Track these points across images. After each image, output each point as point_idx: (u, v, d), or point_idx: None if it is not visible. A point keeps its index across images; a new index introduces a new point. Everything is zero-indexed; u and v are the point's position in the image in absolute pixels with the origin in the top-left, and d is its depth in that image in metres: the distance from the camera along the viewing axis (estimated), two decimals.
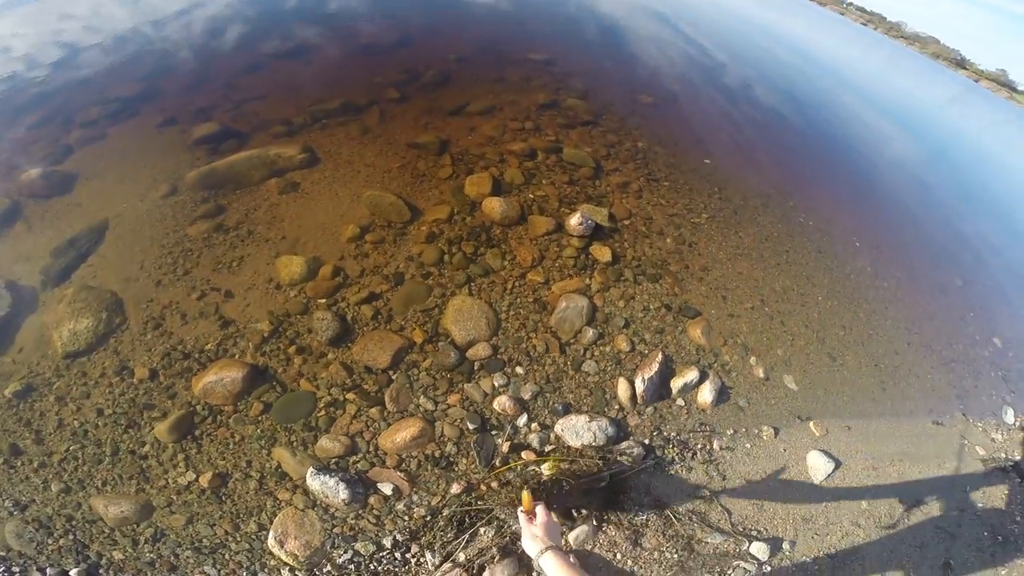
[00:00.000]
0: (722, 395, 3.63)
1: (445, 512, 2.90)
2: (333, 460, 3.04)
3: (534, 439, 3.25)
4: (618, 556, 2.78)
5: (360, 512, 2.89)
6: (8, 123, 4.61)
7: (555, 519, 1.84)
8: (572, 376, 3.61)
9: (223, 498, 2.86)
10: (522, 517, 1.84)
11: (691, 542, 2.85)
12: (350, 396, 3.29)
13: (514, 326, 3.77)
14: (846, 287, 4.99)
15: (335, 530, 2.81)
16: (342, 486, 2.86)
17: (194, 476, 2.89)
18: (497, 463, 3.12)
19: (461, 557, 2.71)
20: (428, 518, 2.88)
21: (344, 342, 3.52)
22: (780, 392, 3.79)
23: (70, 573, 2.53)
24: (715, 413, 3.55)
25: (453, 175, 4.83)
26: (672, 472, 3.16)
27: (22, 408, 3.00)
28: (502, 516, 2.82)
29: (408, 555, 2.75)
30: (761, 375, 3.86)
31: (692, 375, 3.63)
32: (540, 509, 1.81)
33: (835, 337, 4.37)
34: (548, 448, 3.22)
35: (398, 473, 3.04)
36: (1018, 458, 3.77)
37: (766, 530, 2.97)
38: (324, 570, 2.67)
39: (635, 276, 4.29)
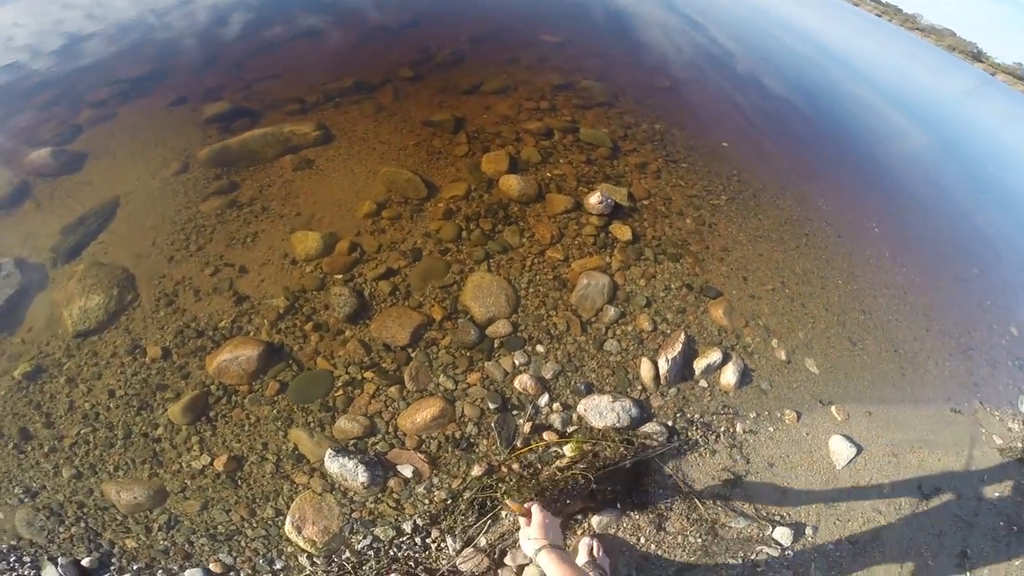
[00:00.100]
0: (745, 377, 3.38)
1: (466, 495, 2.66)
2: (351, 442, 2.79)
3: (556, 419, 3.00)
4: (641, 540, 2.58)
5: (379, 496, 2.64)
6: (16, 106, 4.31)
7: (551, 516, 1.70)
8: (594, 355, 3.35)
9: (239, 482, 2.61)
10: (522, 519, 1.70)
11: (715, 526, 2.67)
12: (368, 375, 3.03)
13: (534, 303, 3.51)
14: (866, 272, 4.73)
15: (354, 515, 2.57)
16: (361, 469, 2.61)
17: (209, 460, 2.64)
18: (518, 444, 2.87)
19: (482, 542, 2.49)
20: (449, 501, 2.64)
21: (362, 319, 3.26)
22: (802, 375, 3.55)
23: (82, 562, 2.29)
24: (738, 395, 3.31)
25: (469, 153, 4.54)
26: (696, 455, 2.95)
27: (32, 390, 2.74)
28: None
29: (428, 540, 2.52)
30: (783, 358, 3.61)
31: (715, 356, 3.39)
32: (535, 508, 1.67)
33: (855, 321, 4.12)
34: (570, 429, 2.98)
35: (418, 455, 2.79)
36: None
37: (789, 515, 2.79)
38: (343, 556, 2.43)
39: (656, 255, 4.02)
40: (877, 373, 3.77)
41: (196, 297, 3.21)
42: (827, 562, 2.65)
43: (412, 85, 5.39)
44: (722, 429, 3.10)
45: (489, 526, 2.53)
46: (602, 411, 3.01)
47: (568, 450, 2.80)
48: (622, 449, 2.80)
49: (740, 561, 2.59)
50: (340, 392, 2.95)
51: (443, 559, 2.45)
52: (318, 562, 2.41)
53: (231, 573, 2.38)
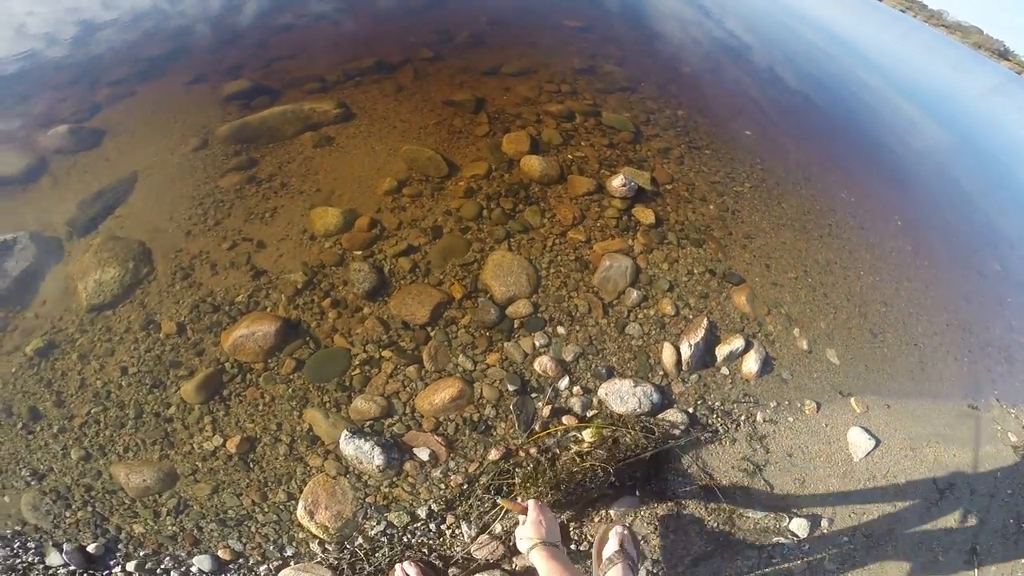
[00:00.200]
0: (766, 366, 3.13)
1: (482, 480, 2.42)
2: (368, 423, 2.55)
3: (576, 403, 2.75)
4: (659, 528, 2.38)
5: (394, 480, 2.40)
6: (32, 88, 4.03)
7: (549, 512, 1.60)
8: (615, 339, 3.08)
9: (251, 465, 2.38)
10: (521, 517, 1.60)
11: (733, 516, 2.47)
12: (386, 353, 2.78)
13: (555, 284, 3.24)
14: (888, 264, 4.43)
15: (368, 499, 2.33)
16: (377, 451, 2.37)
17: (221, 441, 2.40)
18: (536, 428, 2.62)
19: (498, 528, 2.26)
20: (465, 486, 2.41)
21: (381, 295, 3.01)
22: (822, 366, 3.29)
23: (88, 549, 2.07)
24: (758, 384, 3.06)
25: (490, 133, 4.24)
26: (716, 444, 2.72)
27: (43, 367, 2.51)
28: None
29: (443, 526, 2.30)
30: (804, 347, 3.34)
31: (737, 343, 3.13)
32: (531, 505, 1.58)
33: (876, 313, 3.84)
34: (591, 413, 2.73)
35: (435, 437, 2.54)
36: None
37: (806, 506, 2.60)
38: (355, 543, 2.21)
39: (679, 240, 3.74)
40: (897, 366, 3.52)
41: (213, 271, 2.97)
42: (841, 554, 2.47)
43: (432, 65, 5.08)
44: (742, 418, 2.88)
45: (505, 512, 2.29)
46: (623, 396, 2.76)
47: (587, 435, 2.56)
48: (642, 438, 2.54)
49: (756, 551, 2.42)
50: (357, 371, 2.71)
51: (458, 546, 2.24)
52: (330, 548, 2.19)
53: (240, 560, 2.16)
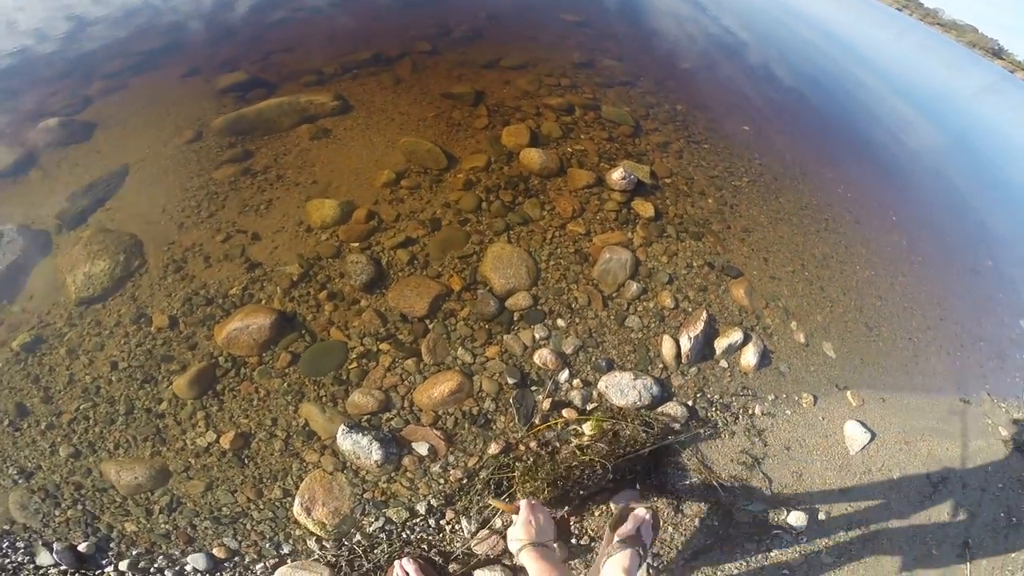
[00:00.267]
0: (764, 359, 3.06)
1: (482, 474, 2.34)
2: (365, 417, 2.45)
3: (576, 396, 2.66)
4: (661, 523, 2.32)
5: (393, 475, 2.31)
6: (22, 81, 3.93)
7: (542, 511, 1.56)
8: (615, 331, 2.99)
9: (245, 461, 2.28)
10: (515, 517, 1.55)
11: (732, 509, 2.42)
12: (384, 346, 2.68)
13: (554, 276, 3.15)
14: (883, 259, 4.36)
15: (366, 495, 2.24)
16: (375, 446, 2.28)
17: (214, 437, 2.30)
18: (536, 421, 2.54)
19: (498, 523, 2.20)
20: (464, 481, 2.32)
21: (378, 288, 2.91)
22: (819, 359, 3.23)
23: (79, 548, 1.98)
24: (757, 377, 2.99)
25: (489, 125, 4.13)
26: (715, 437, 2.67)
27: (30, 363, 2.40)
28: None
29: (443, 522, 2.22)
30: (802, 340, 3.27)
31: (736, 336, 3.05)
32: (522, 505, 1.53)
33: (872, 307, 3.78)
34: (591, 406, 2.65)
35: (434, 431, 2.44)
36: None
37: (803, 499, 2.55)
38: (353, 540, 2.12)
39: (678, 233, 3.65)
40: (892, 360, 3.47)
41: (206, 264, 2.86)
42: (837, 547, 2.44)
43: (430, 58, 4.96)
44: (741, 411, 2.82)
45: (501, 511, 2.23)
46: (623, 388, 2.68)
47: (588, 428, 2.49)
48: (642, 432, 2.48)
49: (755, 545, 2.37)
50: (354, 364, 2.61)
51: (457, 541, 2.17)
52: (327, 546, 2.11)
53: (235, 558, 2.07)
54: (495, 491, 2.27)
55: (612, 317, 3.03)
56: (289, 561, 2.06)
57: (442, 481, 2.33)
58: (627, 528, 1.91)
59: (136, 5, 5.27)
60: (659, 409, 2.67)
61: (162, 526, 2.09)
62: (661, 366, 2.90)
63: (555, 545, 1.76)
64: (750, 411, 2.83)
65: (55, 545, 1.97)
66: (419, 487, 2.30)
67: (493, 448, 2.44)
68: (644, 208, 3.71)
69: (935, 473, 2.87)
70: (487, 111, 4.26)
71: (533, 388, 2.67)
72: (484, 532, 2.18)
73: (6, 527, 2.00)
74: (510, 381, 2.65)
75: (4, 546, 1.95)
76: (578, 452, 2.38)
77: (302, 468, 2.29)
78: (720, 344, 3.04)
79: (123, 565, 1.97)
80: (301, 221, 3.14)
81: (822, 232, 4.31)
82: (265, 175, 3.39)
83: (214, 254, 2.90)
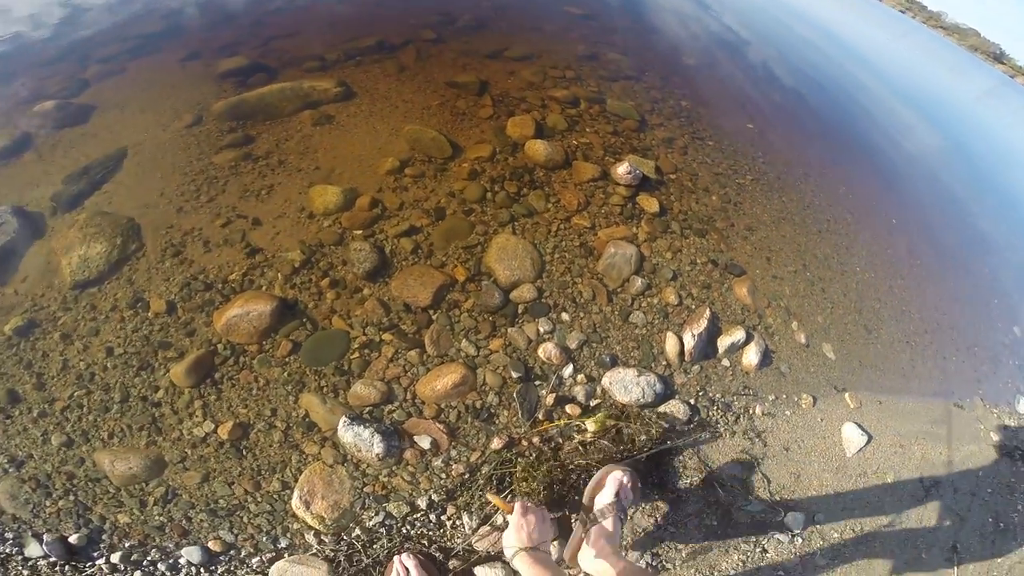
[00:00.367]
0: (766, 359, 2.99)
1: (484, 469, 2.25)
2: (367, 409, 2.35)
3: (580, 392, 2.58)
4: (659, 520, 2.27)
5: (394, 468, 2.22)
6: (18, 66, 3.79)
7: (538, 512, 1.53)
8: (619, 327, 2.90)
9: (243, 452, 2.18)
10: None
11: (731, 509, 2.36)
12: (387, 336, 2.58)
13: (559, 269, 3.05)
14: (883, 261, 4.29)
15: (366, 489, 2.15)
16: (377, 438, 2.18)
17: (212, 426, 2.20)
18: (540, 416, 2.45)
19: (499, 520, 2.11)
20: (466, 476, 2.23)
21: (382, 276, 2.80)
22: (819, 360, 3.16)
23: (70, 539, 1.88)
24: (758, 376, 2.92)
25: (494, 116, 4.01)
26: (716, 437, 2.60)
27: (23, 348, 2.28)
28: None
29: (444, 517, 2.14)
30: (802, 341, 3.20)
31: (739, 335, 2.98)
32: (516, 507, 1.50)
33: (871, 310, 3.71)
34: (594, 402, 2.57)
35: (437, 425, 2.35)
36: None
37: (800, 500, 2.51)
38: (352, 534, 2.04)
39: (682, 229, 3.55)
40: (890, 363, 3.41)
41: (205, 248, 2.74)
42: (831, 549, 2.39)
43: (435, 47, 4.82)
44: (742, 411, 2.76)
45: (521, 497, 2.11)
46: (627, 385, 2.60)
47: (591, 424, 2.40)
48: (643, 433, 2.42)
49: (751, 545, 2.32)
50: (356, 355, 2.50)
51: (458, 537, 2.09)
52: (326, 540, 2.02)
53: (231, 551, 1.98)
54: (497, 487, 2.19)
55: (616, 312, 2.95)
56: (286, 555, 1.97)
57: (444, 476, 2.25)
58: (607, 495, 1.90)
59: None
60: (662, 408, 2.60)
61: (156, 518, 2.00)
62: (664, 363, 2.82)
63: (552, 546, 1.70)
64: (751, 411, 2.77)
65: (45, 536, 1.87)
66: (420, 481, 2.22)
67: (496, 443, 2.35)
68: (649, 203, 3.61)
69: (928, 477, 2.84)
70: (492, 101, 4.14)
71: (537, 383, 2.58)
72: (485, 528, 2.10)
73: None
74: (514, 375, 2.56)
75: None
76: (581, 449, 2.31)
77: (301, 460, 2.19)
78: (723, 342, 2.96)
79: (115, 557, 1.87)
80: (303, 207, 3.03)
81: (824, 233, 4.24)
82: (267, 160, 3.27)
83: (214, 239, 2.78)
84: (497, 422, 2.43)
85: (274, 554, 1.98)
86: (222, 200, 2.97)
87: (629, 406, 2.56)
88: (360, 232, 2.96)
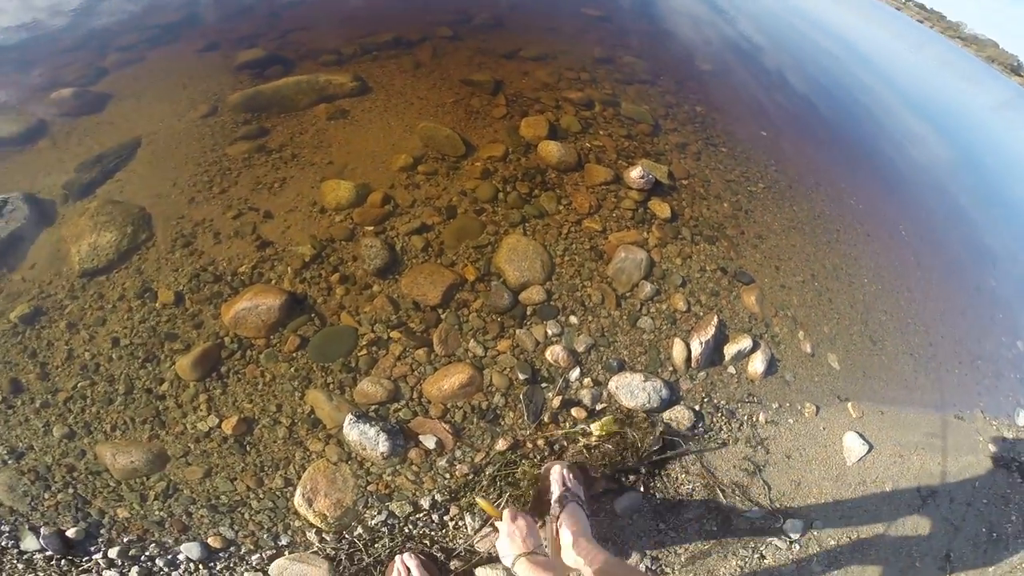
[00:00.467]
0: (771, 367, 2.90)
1: (488, 471, 2.18)
2: (373, 407, 2.28)
3: (586, 395, 2.50)
4: (661, 525, 2.21)
5: (398, 468, 2.14)
6: (39, 52, 3.70)
7: (526, 519, 1.47)
8: (627, 331, 2.82)
9: (247, 448, 2.11)
10: (499, 526, 1.47)
11: (731, 515, 2.31)
12: (395, 334, 2.50)
13: (569, 272, 2.97)
14: (891, 273, 4.17)
15: (369, 487, 2.08)
16: (383, 437, 2.11)
17: (216, 421, 2.13)
18: (545, 419, 2.38)
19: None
20: (470, 477, 2.16)
21: (392, 273, 2.72)
22: (824, 370, 3.08)
23: (67, 533, 1.81)
24: (763, 384, 2.84)
25: (508, 115, 3.91)
26: (720, 443, 2.53)
27: (28, 336, 2.22)
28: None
29: (446, 517, 2.07)
30: (808, 351, 3.11)
31: (745, 343, 2.90)
32: (505, 516, 1.44)
33: (877, 321, 3.60)
34: (600, 406, 2.49)
35: (442, 425, 2.28)
36: None
37: (799, 508, 2.45)
38: (354, 533, 1.97)
39: (692, 236, 3.46)
40: (893, 374, 3.32)
41: (216, 240, 2.67)
42: (828, 556, 2.34)
43: (451, 44, 4.72)
44: (745, 418, 2.69)
45: (506, 504, 2.07)
46: (633, 390, 2.52)
47: (596, 428, 2.33)
48: (649, 440, 2.34)
49: (750, 551, 2.27)
50: (364, 352, 2.43)
51: (460, 538, 2.02)
52: (327, 538, 1.95)
53: (231, 548, 1.91)
54: (500, 489, 2.13)
55: (625, 317, 2.86)
56: (287, 553, 1.91)
57: (448, 476, 2.18)
58: (556, 489, 1.88)
59: None
60: (666, 413, 2.52)
61: (156, 513, 1.93)
62: (671, 369, 2.74)
63: (547, 551, 1.64)
64: (755, 419, 2.70)
65: (42, 529, 1.80)
66: (424, 481, 2.15)
67: (500, 444, 2.28)
68: (661, 208, 3.52)
69: (925, 487, 2.78)
70: (506, 100, 4.05)
71: (543, 385, 2.50)
72: (487, 529, 2.03)
73: None
74: (521, 377, 2.49)
75: None
76: (585, 452, 2.25)
77: (305, 457, 2.12)
78: (729, 350, 2.88)
79: (112, 552, 1.81)
80: (315, 202, 2.95)
81: (833, 243, 4.13)
82: (280, 153, 3.20)
83: (224, 231, 2.71)
84: (502, 423, 2.36)
85: (274, 551, 1.91)
86: (234, 192, 2.90)
87: (634, 411, 2.48)
88: (371, 228, 2.88)
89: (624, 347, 2.75)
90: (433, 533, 2.03)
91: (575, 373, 2.57)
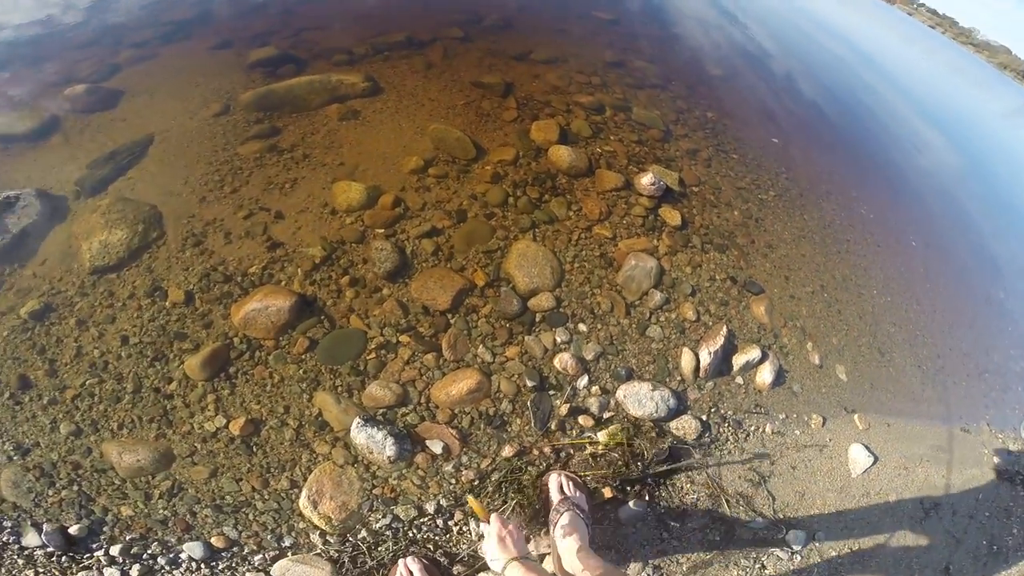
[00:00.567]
0: (779, 378, 2.87)
1: (494, 477, 2.17)
2: (381, 411, 2.26)
3: (593, 403, 2.47)
4: (664, 535, 2.19)
5: (404, 472, 2.13)
6: (52, 48, 3.70)
7: (516, 526, 1.46)
8: (636, 340, 2.79)
9: (253, 449, 2.09)
10: (484, 530, 1.47)
11: (734, 525, 2.29)
12: (404, 338, 2.48)
13: (578, 279, 2.94)
14: (900, 284, 4.11)
15: (375, 491, 2.06)
16: (390, 441, 2.10)
17: (224, 421, 2.11)
18: (553, 427, 2.37)
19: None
20: (476, 483, 2.15)
21: (402, 277, 2.70)
22: (831, 381, 3.05)
23: (70, 530, 1.80)
24: (770, 395, 2.81)
25: (518, 119, 3.87)
26: (726, 453, 2.51)
27: (37, 332, 2.20)
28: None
29: (451, 522, 2.06)
30: (816, 362, 3.07)
31: (754, 353, 2.86)
32: (493, 519, 1.45)
33: (885, 333, 3.56)
34: (607, 415, 2.47)
35: (449, 430, 2.26)
36: None
37: (803, 519, 2.43)
38: (358, 536, 1.95)
39: (703, 244, 3.42)
40: (900, 386, 3.27)
41: (226, 240, 2.65)
42: (829, 568, 2.31)
43: (462, 45, 4.68)
44: (752, 428, 2.66)
45: (514, 511, 2.06)
46: (641, 399, 2.49)
47: (602, 437, 2.33)
48: (656, 449, 2.33)
49: (751, 561, 2.24)
50: (373, 355, 2.41)
51: (464, 543, 2.01)
52: (331, 540, 1.94)
53: (234, 548, 1.90)
54: (505, 495, 2.11)
55: (634, 326, 2.83)
56: (290, 554, 1.89)
57: (453, 481, 2.16)
58: (555, 495, 1.89)
59: None
60: (673, 423, 2.50)
61: (160, 512, 1.91)
62: (679, 378, 2.71)
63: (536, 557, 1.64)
64: (761, 429, 2.67)
65: (45, 526, 1.79)
66: (430, 486, 2.13)
67: (507, 451, 2.27)
68: (671, 216, 3.48)
69: (928, 499, 2.74)
70: (516, 104, 4.01)
71: (551, 392, 2.48)
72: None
73: None
74: (529, 384, 2.46)
75: None
76: (591, 460, 2.26)
77: (312, 459, 2.10)
78: (738, 360, 2.85)
79: (115, 550, 1.79)
80: (326, 203, 2.93)
81: (843, 253, 4.08)
82: (291, 153, 3.18)
83: (235, 230, 2.69)
84: (509, 430, 2.33)
85: (277, 552, 1.90)
86: (245, 192, 2.88)
87: (642, 420, 2.46)
88: (382, 231, 2.86)
89: (633, 356, 2.72)
90: (437, 538, 2.01)
91: (583, 381, 2.55)
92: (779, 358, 2.96)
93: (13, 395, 2.04)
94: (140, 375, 2.17)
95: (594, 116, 4.16)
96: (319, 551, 1.91)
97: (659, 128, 4.32)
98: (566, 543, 1.64)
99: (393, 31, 4.58)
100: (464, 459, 2.22)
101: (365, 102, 3.69)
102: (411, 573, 1.80)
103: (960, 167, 7.94)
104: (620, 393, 2.53)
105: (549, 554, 1.96)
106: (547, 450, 2.31)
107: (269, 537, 1.93)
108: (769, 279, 3.43)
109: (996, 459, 3.19)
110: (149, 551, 1.83)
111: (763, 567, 2.25)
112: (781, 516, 2.41)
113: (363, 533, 1.97)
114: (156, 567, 1.81)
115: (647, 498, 2.25)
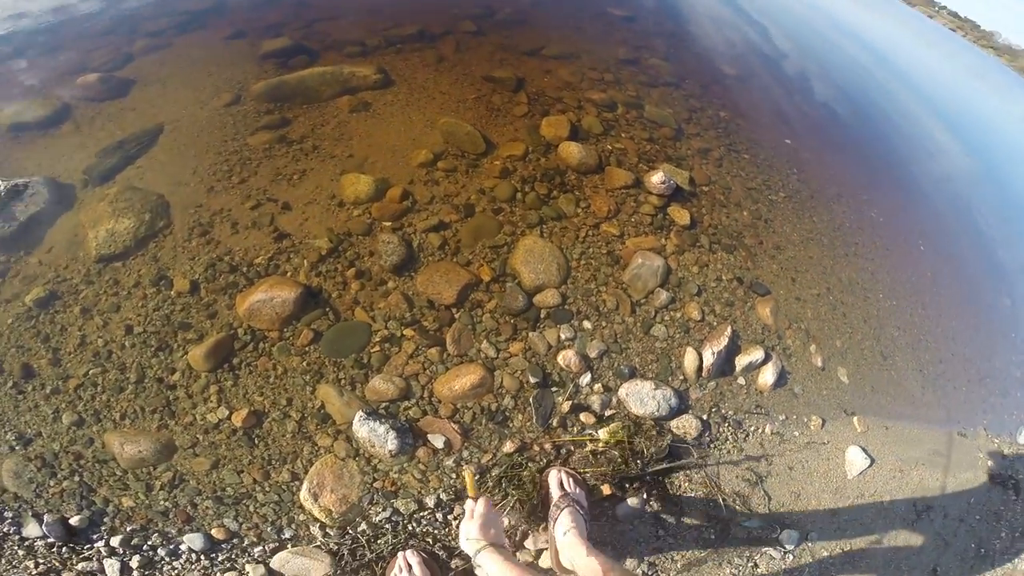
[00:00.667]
0: (781, 379, 2.81)
1: (494, 472, 2.13)
2: (384, 404, 2.22)
3: (595, 401, 2.43)
4: (660, 533, 2.16)
5: (405, 465, 2.09)
6: (67, 37, 3.66)
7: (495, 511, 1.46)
8: (640, 339, 2.72)
9: (255, 441, 2.05)
10: (468, 507, 1.45)
11: (730, 524, 2.26)
12: (408, 332, 2.43)
13: (584, 276, 2.87)
14: (907, 289, 4.01)
15: (375, 484, 2.02)
16: (392, 435, 2.06)
17: (226, 413, 2.07)
18: (554, 423, 2.33)
19: (505, 522, 1.99)
20: (477, 477, 2.10)
21: (408, 270, 2.65)
22: (832, 384, 2.98)
23: (71, 520, 1.77)
24: (771, 396, 2.75)
25: (528, 114, 3.78)
26: (724, 453, 2.47)
27: (42, 320, 2.17)
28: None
29: (450, 516, 2.03)
30: (818, 364, 3.00)
31: (758, 354, 2.80)
32: (482, 501, 1.43)
33: (889, 337, 3.47)
34: (609, 412, 2.42)
35: (451, 425, 2.22)
36: (1021, 476, 3.15)
37: (798, 519, 2.40)
38: (358, 529, 1.92)
39: (710, 244, 3.33)
40: (900, 389, 3.20)
41: (233, 230, 2.61)
42: (819, 567, 2.27)
43: (474, 39, 4.59)
44: (752, 429, 2.61)
45: (513, 506, 2.03)
46: (643, 398, 2.44)
47: (603, 434, 2.28)
48: (656, 448, 2.28)
49: (744, 559, 2.22)
50: (376, 349, 2.36)
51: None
52: (331, 533, 1.91)
53: (234, 540, 1.87)
54: (505, 490, 2.06)
55: (639, 324, 2.77)
56: (290, 546, 1.86)
57: (454, 475, 2.12)
58: (555, 491, 1.87)
59: None
60: (674, 422, 2.45)
61: (161, 503, 1.88)
62: (682, 378, 2.66)
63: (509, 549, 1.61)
64: (761, 430, 2.63)
65: (46, 516, 1.76)
66: (430, 480, 2.10)
67: (508, 446, 2.22)
68: (680, 215, 3.39)
69: (921, 501, 2.70)
70: (527, 99, 3.92)
71: (554, 389, 2.43)
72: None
73: None
74: (531, 380, 2.41)
75: None
76: (591, 458, 2.22)
77: (313, 452, 2.07)
78: (741, 361, 2.79)
79: (115, 541, 1.76)
80: (334, 195, 2.88)
81: (851, 256, 3.98)
82: (301, 144, 3.12)
83: (242, 221, 2.65)
84: (511, 426, 2.29)
85: (277, 544, 1.87)
86: (253, 182, 2.83)
87: (643, 418, 2.41)
88: (389, 224, 2.80)
89: (636, 354, 2.66)
90: (436, 531, 1.99)
91: (586, 378, 2.50)
92: (782, 360, 2.89)
93: (16, 384, 2.01)
94: (143, 365, 2.13)
95: (606, 113, 4.06)
96: (319, 543, 1.88)
97: (671, 126, 4.22)
98: (565, 539, 1.61)
99: (406, 24, 4.50)
100: (465, 454, 2.18)
101: (376, 94, 3.62)
102: (410, 566, 1.77)
103: (976, 172, 7.73)
104: (622, 391, 2.48)
105: (546, 549, 1.93)
106: (548, 446, 2.27)
107: (269, 529, 1.89)
108: (776, 280, 3.35)
109: (990, 463, 3.15)
110: (149, 542, 1.81)
111: (756, 566, 2.23)
112: (776, 516, 2.38)
113: (363, 526, 1.94)
114: (156, 558, 1.79)
115: (644, 496, 2.21)
